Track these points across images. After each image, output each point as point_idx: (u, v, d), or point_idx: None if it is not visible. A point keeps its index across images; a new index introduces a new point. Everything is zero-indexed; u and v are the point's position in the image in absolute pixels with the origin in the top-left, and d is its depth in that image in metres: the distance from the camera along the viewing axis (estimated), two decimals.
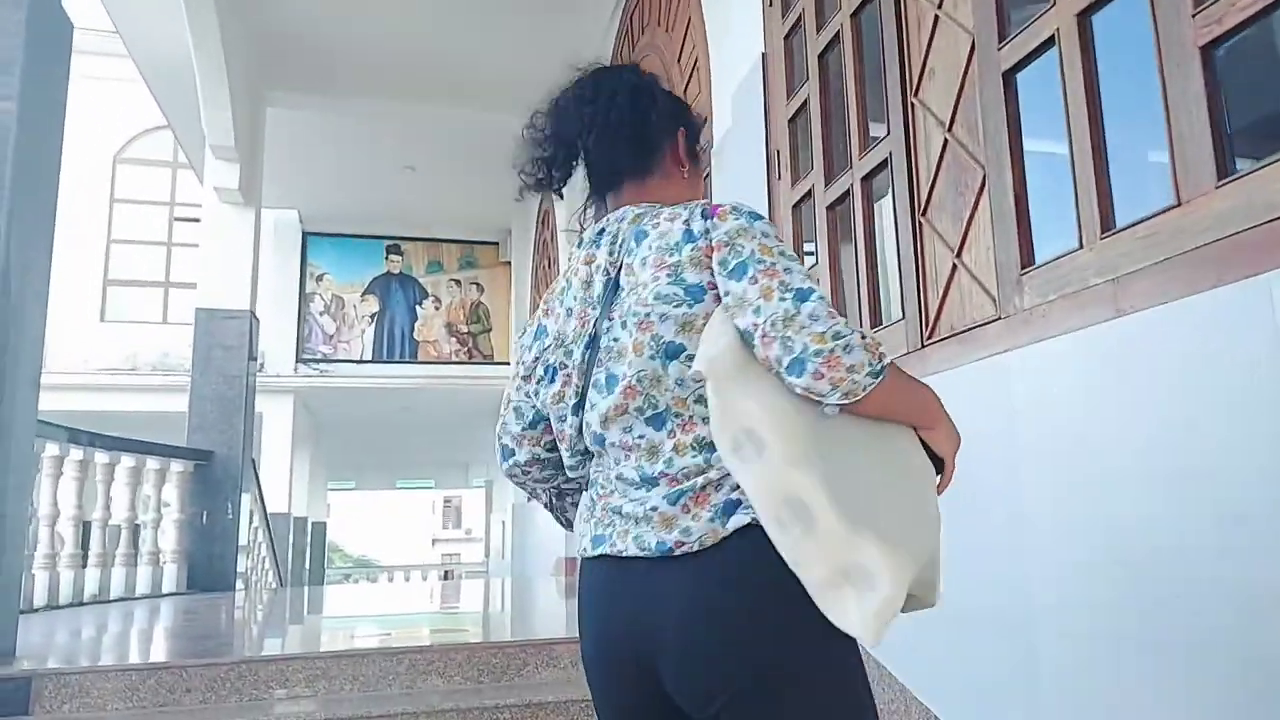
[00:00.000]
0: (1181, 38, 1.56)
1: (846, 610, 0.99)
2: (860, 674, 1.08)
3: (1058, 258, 1.83)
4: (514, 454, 1.32)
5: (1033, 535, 1.86)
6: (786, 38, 3.23)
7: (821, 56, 2.95)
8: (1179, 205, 1.56)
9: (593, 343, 1.15)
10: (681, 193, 1.28)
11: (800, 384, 1.00)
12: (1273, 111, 1.91)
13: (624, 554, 1.09)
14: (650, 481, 1.10)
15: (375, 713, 2.41)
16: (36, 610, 4.72)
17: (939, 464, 1.16)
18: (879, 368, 1.01)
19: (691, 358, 1.07)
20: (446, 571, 19.89)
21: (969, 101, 2.16)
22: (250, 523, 7.76)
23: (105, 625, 4.33)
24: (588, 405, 1.16)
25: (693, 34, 4.63)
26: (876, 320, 2.61)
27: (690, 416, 1.09)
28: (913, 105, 2.41)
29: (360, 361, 11.59)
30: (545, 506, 1.45)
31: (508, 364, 11.37)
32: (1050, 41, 1.88)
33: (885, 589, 0.99)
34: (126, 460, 5.86)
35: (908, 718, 2.22)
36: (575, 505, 1.40)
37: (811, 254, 3.05)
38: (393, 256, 11.83)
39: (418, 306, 11.87)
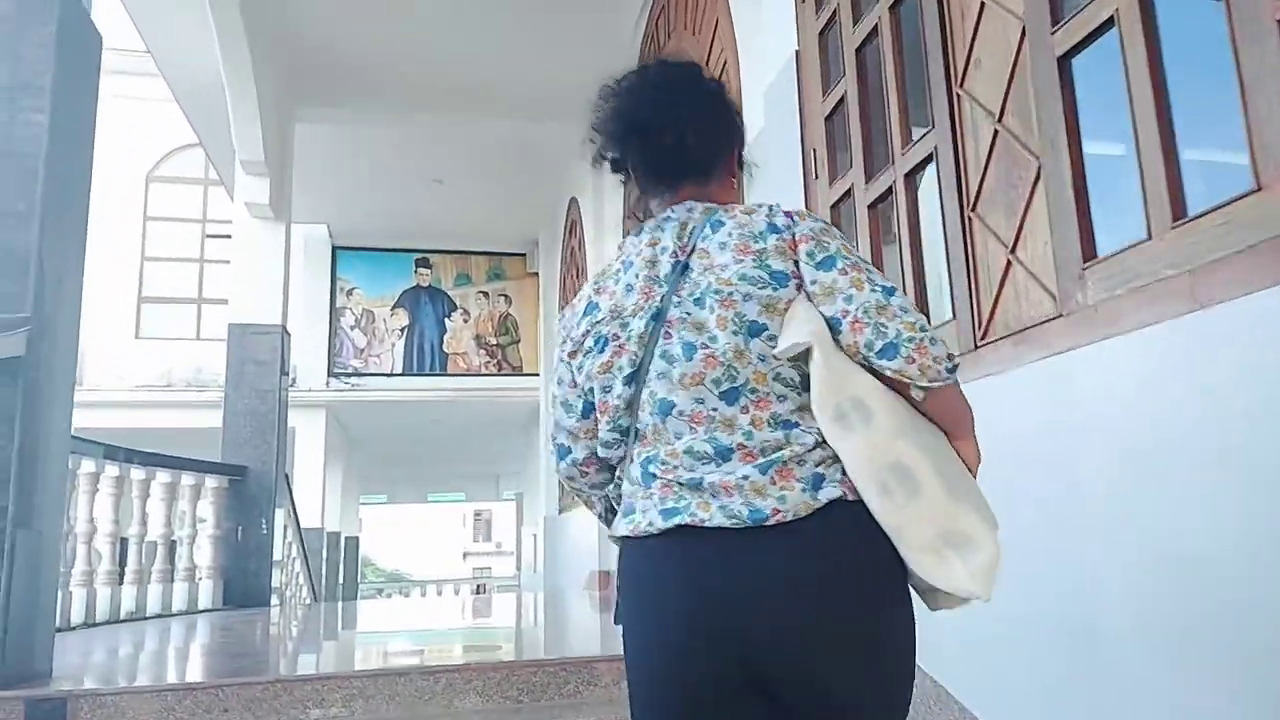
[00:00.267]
0: (1257, 11, 1.47)
1: (953, 570, 1.07)
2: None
3: (1124, 250, 1.73)
4: (570, 451, 1.32)
5: (1096, 541, 1.76)
6: (821, 34, 3.15)
7: (859, 51, 2.87)
8: (1259, 190, 1.46)
9: (658, 316, 1.18)
10: (730, 198, 1.33)
11: (892, 367, 1.09)
12: None
13: (707, 524, 1.08)
14: (724, 453, 1.12)
15: None
16: (74, 628, 4.73)
17: None
18: (955, 364, 1.12)
19: (773, 337, 1.13)
20: (478, 585, 19.89)
21: (1020, 90, 2.07)
22: (284, 538, 7.77)
23: (142, 643, 4.32)
24: (654, 373, 1.17)
25: (721, 36, 4.56)
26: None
27: (767, 393, 1.13)
28: (958, 97, 2.32)
29: (391, 375, 11.63)
30: (599, 517, 1.43)
31: (537, 375, 11.34)
32: (1109, 23, 1.79)
33: (990, 547, 1.08)
34: (162, 476, 5.87)
35: None
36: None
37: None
38: (421, 270, 11.87)
39: (446, 319, 11.90)
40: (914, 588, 1.15)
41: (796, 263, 1.16)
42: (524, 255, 11.89)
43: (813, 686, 1.07)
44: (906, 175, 2.56)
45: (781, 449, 1.10)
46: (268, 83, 6.54)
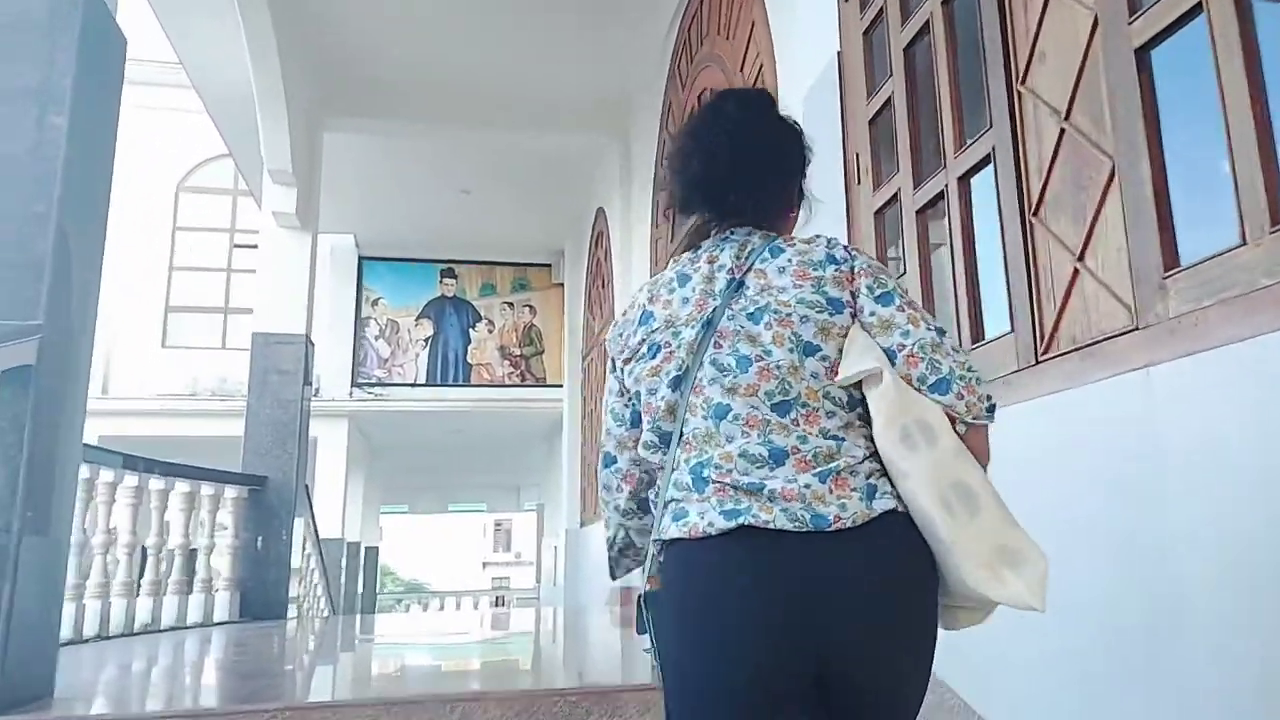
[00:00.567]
0: None
1: (1008, 584, 1.13)
2: None
3: (1213, 257, 1.58)
4: (615, 461, 1.37)
5: (1180, 572, 1.59)
6: (865, 34, 3.02)
7: (907, 50, 2.73)
8: None
9: (709, 325, 1.24)
10: (786, 228, 1.41)
11: (944, 401, 1.19)
12: None
13: (771, 525, 1.12)
14: (779, 456, 1.17)
15: None
16: (87, 641, 4.64)
17: None
18: (994, 404, 1.23)
19: (825, 358, 1.21)
20: (498, 598, 19.77)
21: (1091, 86, 1.92)
22: (303, 549, 7.70)
23: (155, 658, 4.23)
24: (704, 379, 1.23)
25: (756, 39, 4.44)
26: (979, 334, 2.35)
27: (817, 409, 1.20)
28: (1019, 94, 2.17)
29: (415, 385, 11.56)
30: (610, 543, 1.44)
31: (560, 386, 11.23)
32: (1196, 10, 1.64)
33: (1042, 563, 1.14)
34: (181, 486, 5.80)
35: None
36: (636, 558, 1.42)
37: (895, 258, 2.81)
38: (446, 280, 11.82)
39: (471, 329, 11.83)
40: (940, 605, 1.22)
41: (854, 294, 1.24)
42: (549, 266, 11.80)
43: (874, 680, 1.14)
44: (960, 179, 2.41)
45: (834, 459, 1.17)
46: (297, 93, 6.51)
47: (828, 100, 3.22)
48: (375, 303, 11.62)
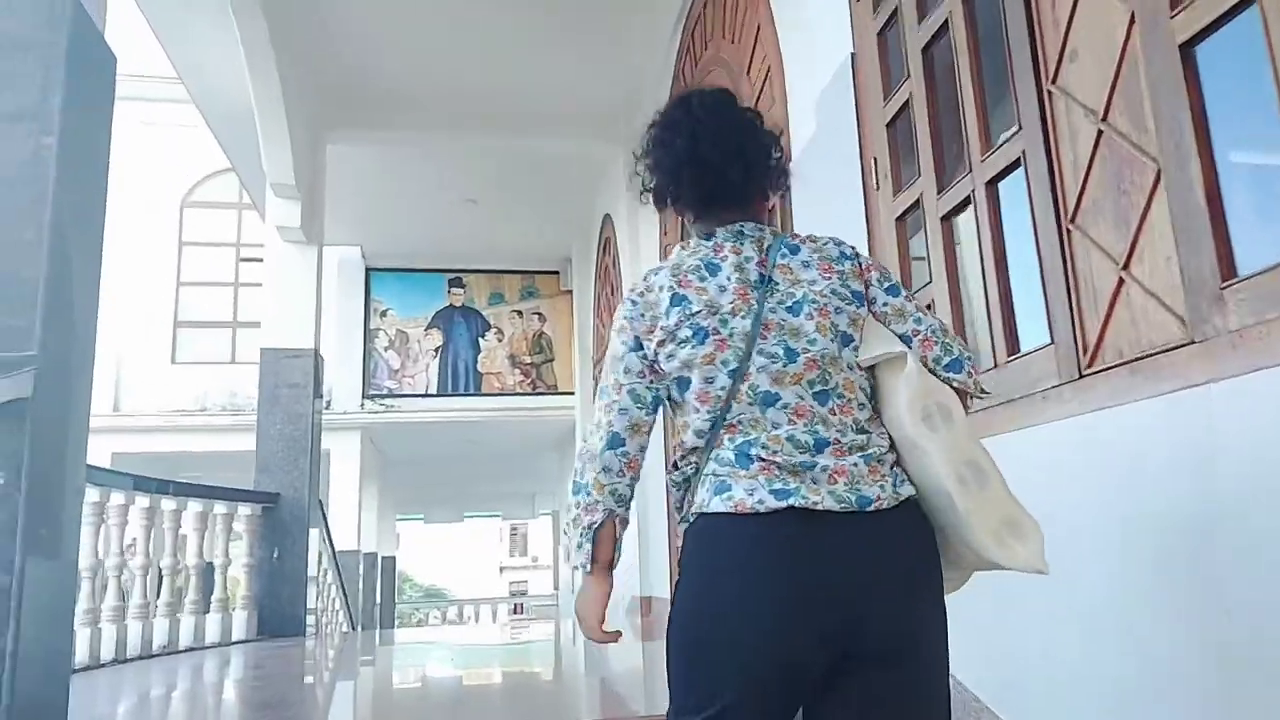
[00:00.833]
0: None
1: (1014, 551, 1.23)
2: None
3: (1277, 266, 1.47)
4: (624, 444, 1.32)
5: (1235, 602, 1.49)
6: (880, 34, 2.91)
7: (925, 50, 2.62)
8: None
9: (758, 318, 1.28)
10: (762, 215, 1.45)
11: (958, 379, 1.33)
12: None
13: (817, 506, 1.18)
14: (822, 445, 1.24)
15: None
16: (103, 665, 4.57)
17: None
18: (985, 389, 1.40)
19: (857, 348, 1.31)
20: (516, 605, 19.67)
21: (1130, 85, 1.81)
22: (319, 564, 7.63)
23: (174, 683, 4.16)
24: (753, 368, 1.27)
25: (763, 42, 4.33)
26: (1014, 347, 2.25)
27: (850, 399, 1.28)
28: (1049, 94, 2.06)
29: (425, 395, 11.49)
30: (587, 527, 1.33)
31: (572, 394, 11.14)
32: (1246, 2, 1.53)
33: (1037, 531, 1.26)
34: (194, 506, 5.74)
35: None
36: (617, 544, 1.37)
37: (921, 258, 2.70)
38: (455, 289, 11.74)
39: (480, 339, 11.75)
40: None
41: (867, 285, 1.34)
42: (557, 273, 11.72)
43: (904, 641, 1.20)
44: (988, 183, 2.30)
45: (868, 448, 1.25)
46: (298, 106, 6.44)
47: (842, 103, 3.12)
48: (384, 314, 11.56)
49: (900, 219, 2.78)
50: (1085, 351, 1.94)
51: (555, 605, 18.19)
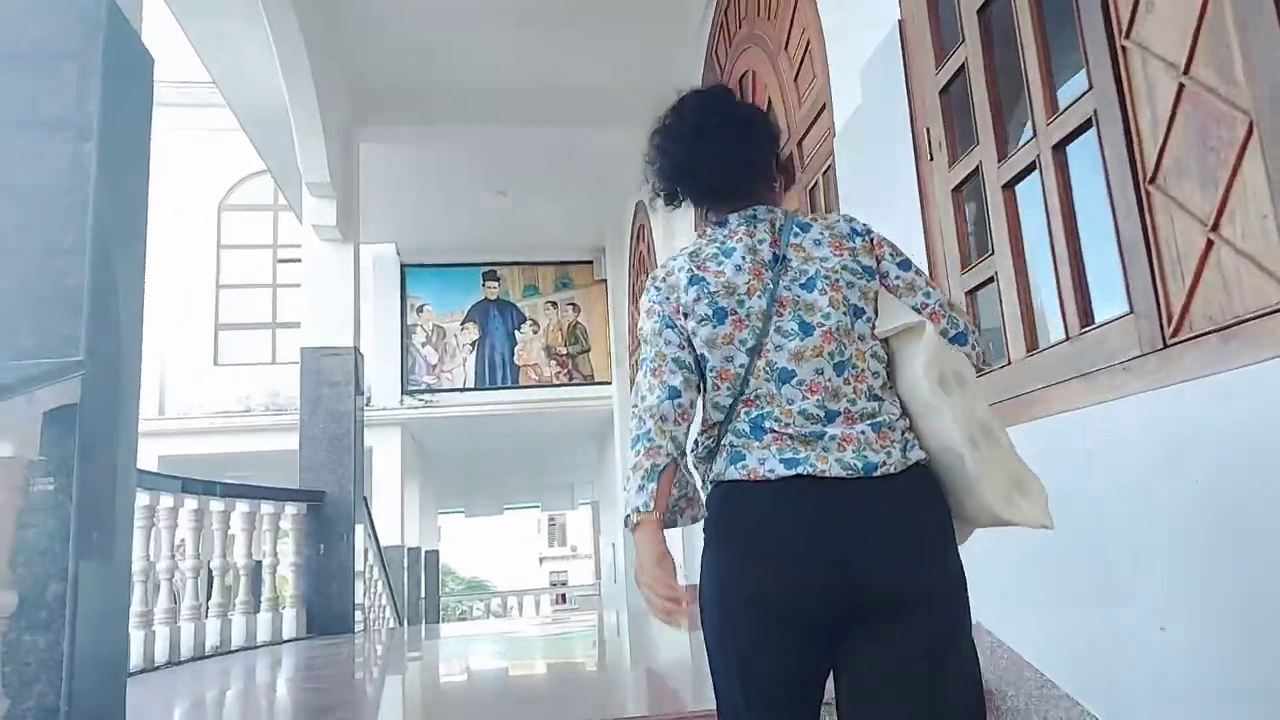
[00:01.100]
0: None
1: (1020, 507, 1.31)
2: None
3: None
4: (680, 395, 1.38)
5: None
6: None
7: (981, 12, 2.50)
8: None
9: (772, 297, 1.35)
10: (776, 198, 1.53)
11: (963, 351, 1.41)
12: None
13: (826, 474, 1.26)
14: (832, 416, 1.31)
15: None
16: (158, 668, 4.62)
17: None
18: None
19: (869, 320, 1.38)
20: (561, 595, 19.75)
21: (1215, 34, 1.69)
22: (365, 560, 7.68)
23: (227, 685, 4.18)
24: (770, 345, 1.35)
25: (801, 15, 4.21)
26: (1087, 318, 2.13)
27: (864, 369, 1.35)
28: (1123, 50, 1.94)
29: (464, 390, 11.52)
30: (649, 470, 1.34)
31: (609, 384, 11.09)
32: None
33: (1041, 489, 1.35)
34: (241, 506, 5.78)
35: None
36: (674, 499, 1.42)
37: (975, 232, 2.59)
38: (489, 283, 11.74)
39: (516, 331, 11.75)
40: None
41: (878, 260, 1.42)
42: (591, 263, 11.66)
43: (923, 600, 1.26)
44: (1055, 148, 2.19)
45: (877, 416, 1.32)
46: (331, 105, 6.43)
47: (889, 73, 3.01)
48: (420, 309, 11.59)
49: (956, 189, 2.66)
50: (1169, 320, 1.83)
51: (597, 595, 18.23)
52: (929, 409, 1.32)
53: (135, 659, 4.38)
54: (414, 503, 13.41)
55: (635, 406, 1.42)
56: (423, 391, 11.47)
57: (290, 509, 6.28)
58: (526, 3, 6.14)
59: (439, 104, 7.40)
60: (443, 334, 11.62)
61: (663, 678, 3.66)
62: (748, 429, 1.33)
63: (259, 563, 6.01)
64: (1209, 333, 1.72)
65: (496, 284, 11.77)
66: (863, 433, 1.29)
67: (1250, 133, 1.60)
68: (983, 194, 2.50)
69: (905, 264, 1.44)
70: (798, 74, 4.30)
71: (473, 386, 11.56)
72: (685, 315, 1.39)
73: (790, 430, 1.29)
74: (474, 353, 11.63)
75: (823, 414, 1.30)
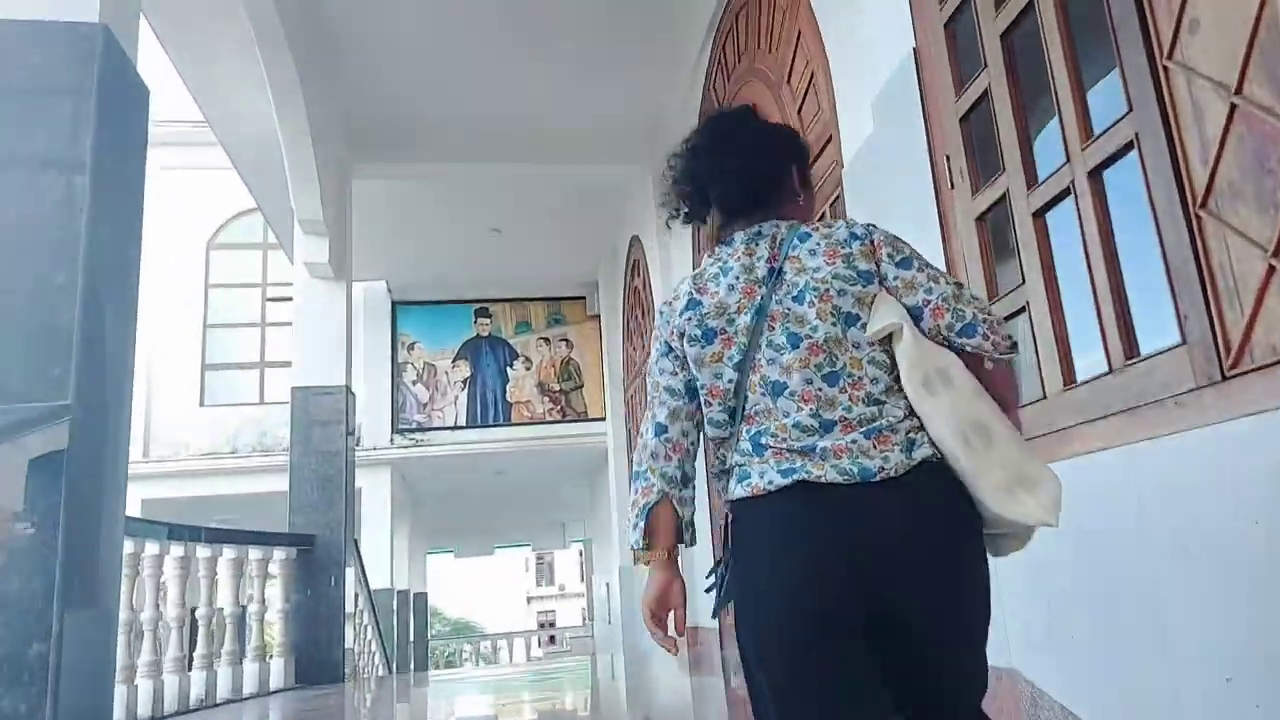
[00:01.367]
0: None
1: (1024, 504, 1.26)
2: None
3: None
4: (666, 430, 1.44)
5: None
6: (947, 25, 2.74)
7: (1005, 36, 2.44)
8: None
9: (760, 311, 1.37)
10: (798, 214, 1.52)
11: (972, 343, 1.34)
12: None
13: (822, 479, 1.26)
14: (828, 426, 1.30)
15: None
16: None
17: None
18: (1015, 341, 1.37)
19: (864, 326, 1.35)
20: (551, 637, 19.38)
21: (1269, 52, 1.62)
22: (355, 606, 7.46)
23: None
24: (762, 360, 1.36)
25: (805, 48, 4.18)
26: (1131, 349, 2.04)
27: (861, 376, 1.33)
28: (1165, 70, 1.87)
29: (455, 428, 11.36)
30: (644, 509, 1.42)
31: (603, 419, 10.96)
32: None
33: (1053, 484, 1.27)
34: (228, 553, 5.59)
35: None
36: (691, 507, 1.47)
37: (1013, 259, 2.51)
38: (481, 320, 11.64)
39: (508, 368, 11.63)
40: (985, 535, 1.32)
41: (878, 263, 1.38)
42: (583, 298, 11.59)
43: (920, 604, 1.25)
44: (1091, 173, 2.11)
45: (877, 420, 1.30)
46: (324, 143, 6.37)
47: (904, 103, 2.95)
48: (411, 347, 11.46)
49: (980, 218, 2.59)
50: (1227, 350, 1.74)
51: (589, 636, 17.89)
52: (921, 414, 1.32)
53: (117, 714, 4.17)
54: (403, 544, 13.16)
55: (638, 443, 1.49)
56: (413, 430, 11.30)
57: (279, 553, 6.09)
58: (521, 41, 6.12)
59: (433, 141, 7.36)
60: (434, 371, 11.48)
61: None
62: (750, 447, 1.35)
63: (245, 610, 5.81)
64: (1274, 364, 1.63)
65: (488, 321, 11.67)
66: (854, 441, 1.28)
67: None
68: (1011, 222, 2.43)
69: (906, 262, 1.38)
70: (801, 106, 4.26)
71: (464, 424, 11.41)
72: (680, 337, 1.43)
73: (786, 445, 1.31)
74: (465, 390, 11.49)
75: (818, 424, 1.31)
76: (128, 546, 4.41)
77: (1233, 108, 1.70)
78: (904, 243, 1.42)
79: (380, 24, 5.88)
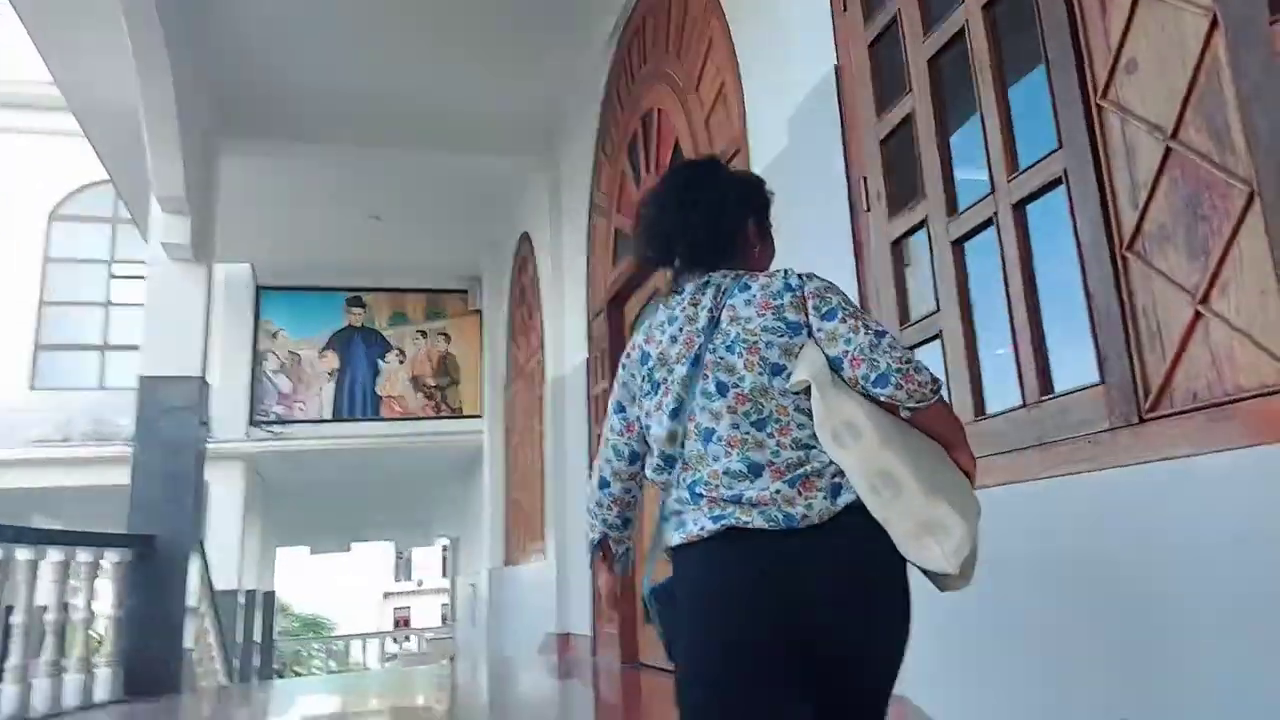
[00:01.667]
0: None
1: (931, 551, 1.32)
2: None
3: None
4: (609, 485, 1.57)
5: None
6: (871, 45, 2.71)
7: (932, 61, 2.42)
8: None
9: (697, 361, 1.43)
10: (754, 264, 1.60)
11: (885, 394, 1.37)
12: None
13: (750, 525, 1.32)
14: (757, 470, 1.36)
15: None
16: None
17: None
18: (938, 387, 1.40)
19: (789, 376, 1.40)
20: (407, 635, 18.68)
21: (1210, 99, 1.63)
22: (198, 610, 6.91)
23: None
24: (697, 408, 1.42)
25: (715, 57, 4.11)
26: (1047, 387, 2.04)
27: (788, 422, 1.38)
28: (1098, 109, 1.88)
29: (320, 421, 10.75)
30: (591, 543, 1.62)
31: (479, 417, 10.65)
32: None
33: (959, 532, 1.32)
34: (53, 555, 5.02)
35: None
36: (627, 544, 1.62)
37: (928, 286, 2.49)
38: (354, 309, 11.08)
39: (380, 360, 11.11)
40: (922, 573, 1.37)
41: (807, 315, 1.43)
42: (465, 292, 11.21)
43: (839, 640, 1.32)
44: (1015, 206, 2.11)
45: (804, 465, 1.36)
46: (191, 115, 5.82)
47: (822, 120, 2.91)
48: (275, 335, 10.78)
49: (897, 243, 2.56)
50: (1146, 394, 1.74)
51: (451, 638, 17.38)
52: (836, 462, 1.36)
53: None
54: (254, 541, 12.38)
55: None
56: (273, 423, 10.62)
57: (111, 555, 5.52)
58: (414, 20, 5.81)
59: (311, 119, 6.91)
60: (299, 361, 10.84)
61: None
62: (687, 495, 1.41)
63: (71, 618, 5.22)
64: (1192, 410, 1.64)
65: (361, 310, 11.13)
66: (778, 491, 1.33)
67: (1250, 203, 1.54)
68: (930, 249, 2.41)
69: (830, 314, 1.42)
70: (709, 116, 4.19)
71: (330, 418, 10.81)
72: (631, 400, 1.54)
73: (717, 493, 1.37)
74: (333, 382, 10.90)
75: (746, 468, 1.36)
76: None
77: (1168, 151, 1.71)
78: (834, 293, 1.45)
79: None
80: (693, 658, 1.37)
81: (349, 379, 10.96)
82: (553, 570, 6.75)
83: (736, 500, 1.34)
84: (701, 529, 1.36)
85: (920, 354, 2.53)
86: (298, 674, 18.30)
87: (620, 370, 1.57)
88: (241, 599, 11.01)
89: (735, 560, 1.33)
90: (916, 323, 2.48)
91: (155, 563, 5.85)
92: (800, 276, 1.47)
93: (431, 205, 8.85)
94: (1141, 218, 1.76)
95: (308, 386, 10.81)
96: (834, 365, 1.39)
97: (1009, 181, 2.12)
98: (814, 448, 1.37)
